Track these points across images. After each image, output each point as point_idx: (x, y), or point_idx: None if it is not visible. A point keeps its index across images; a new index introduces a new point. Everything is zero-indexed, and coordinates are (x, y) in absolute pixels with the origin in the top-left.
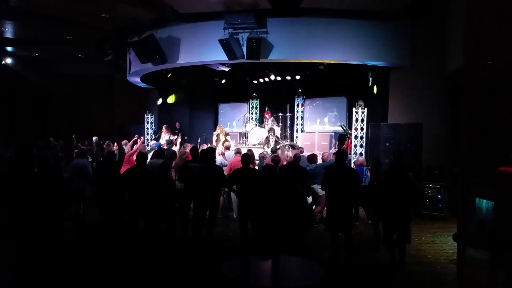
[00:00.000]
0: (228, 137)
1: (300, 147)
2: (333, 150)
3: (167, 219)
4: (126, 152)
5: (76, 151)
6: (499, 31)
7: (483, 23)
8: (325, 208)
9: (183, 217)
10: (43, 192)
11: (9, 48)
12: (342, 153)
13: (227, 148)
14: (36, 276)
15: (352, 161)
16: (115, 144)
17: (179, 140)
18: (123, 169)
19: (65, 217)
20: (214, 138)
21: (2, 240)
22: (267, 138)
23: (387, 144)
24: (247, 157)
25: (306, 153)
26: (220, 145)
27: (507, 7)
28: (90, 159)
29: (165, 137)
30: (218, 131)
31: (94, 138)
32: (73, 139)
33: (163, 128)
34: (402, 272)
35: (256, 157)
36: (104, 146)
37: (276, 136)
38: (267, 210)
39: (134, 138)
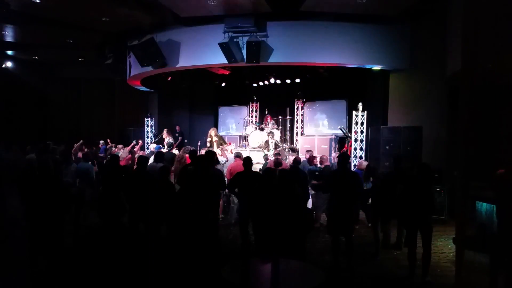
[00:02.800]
0: (222, 141)
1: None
2: (335, 154)
3: (168, 222)
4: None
5: (81, 153)
6: (498, 34)
7: (481, 26)
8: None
9: (184, 222)
10: (43, 195)
11: (9, 52)
12: (344, 156)
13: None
14: (36, 279)
15: (352, 164)
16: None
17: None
18: None
19: (65, 220)
20: (208, 144)
21: (2, 242)
22: (267, 141)
23: (387, 147)
24: (250, 161)
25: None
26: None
27: (505, 10)
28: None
29: (166, 140)
30: (211, 135)
31: (101, 142)
32: (109, 142)
33: (164, 132)
34: (426, 276)
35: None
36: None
37: (275, 139)
38: (267, 213)
39: (132, 144)
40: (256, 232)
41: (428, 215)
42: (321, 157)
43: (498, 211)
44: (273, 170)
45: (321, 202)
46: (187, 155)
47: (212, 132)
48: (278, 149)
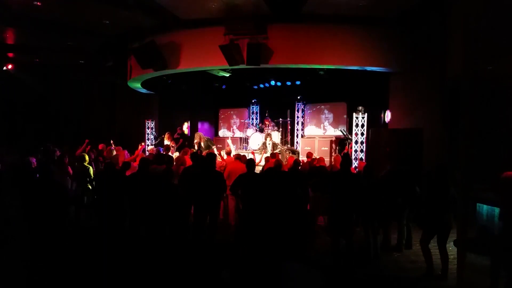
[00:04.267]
0: (210, 143)
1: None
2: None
3: (172, 224)
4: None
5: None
6: (499, 36)
7: (482, 28)
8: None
9: (184, 223)
10: (45, 197)
11: (10, 54)
12: (346, 158)
13: (228, 153)
14: (35, 280)
15: (353, 166)
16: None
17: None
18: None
19: (65, 222)
20: (196, 147)
21: (3, 244)
22: (264, 143)
23: (387, 149)
24: (253, 163)
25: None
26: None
27: (506, 12)
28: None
29: (167, 143)
30: (196, 139)
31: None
32: (112, 144)
33: (166, 134)
34: (446, 278)
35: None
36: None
37: (273, 141)
38: (268, 215)
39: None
40: (257, 234)
41: (446, 216)
42: (318, 158)
43: (503, 213)
44: (273, 171)
45: (317, 205)
46: (187, 157)
47: (197, 137)
48: (276, 151)
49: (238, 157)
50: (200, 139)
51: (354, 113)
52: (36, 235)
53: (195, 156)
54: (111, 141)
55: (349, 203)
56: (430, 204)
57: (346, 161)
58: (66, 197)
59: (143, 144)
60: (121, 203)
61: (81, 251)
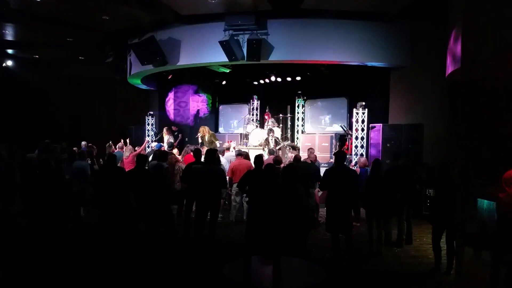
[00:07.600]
0: (214, 138)
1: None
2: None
3: (164, 222)
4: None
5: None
6: (499, 30)
7: (482, 22)
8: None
9: (186, 219)
10: (45, 194)
11: (9, 51)
12: (340, 154)
13: (227, 149)
14: (39, 277)
15: (353, 162)
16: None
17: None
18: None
19: (67, 219)
20: (200, 140)
21: (7, 241)
22: (267, 139)
23: (388, 145)
24: (261, 159)
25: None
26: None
27: (505, 8)
28: (89, 161)
29: (166, 138)
30: (200, 133)
31: (83, 143)
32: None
33: (164, 130)
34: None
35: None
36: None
37: (275, 137)
38: (268, 211)
39: (144, 144)
40: (259, 229)
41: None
42: (308, 155)
43: (501, 210)
44: (274, 167)
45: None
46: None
47: (202, 128)
48: (278, 147)
49: (240, 153)
50: (204, 133)
51: (354, 109)
52: (38, 232)
53: (198, 152)
54: (126, 140)
55: (345, 199)
56: (438, 200)
57: (340, 156)
58: (68, 194)
59: (146, 139)
60: (121, 198)
61: (83, 248)
